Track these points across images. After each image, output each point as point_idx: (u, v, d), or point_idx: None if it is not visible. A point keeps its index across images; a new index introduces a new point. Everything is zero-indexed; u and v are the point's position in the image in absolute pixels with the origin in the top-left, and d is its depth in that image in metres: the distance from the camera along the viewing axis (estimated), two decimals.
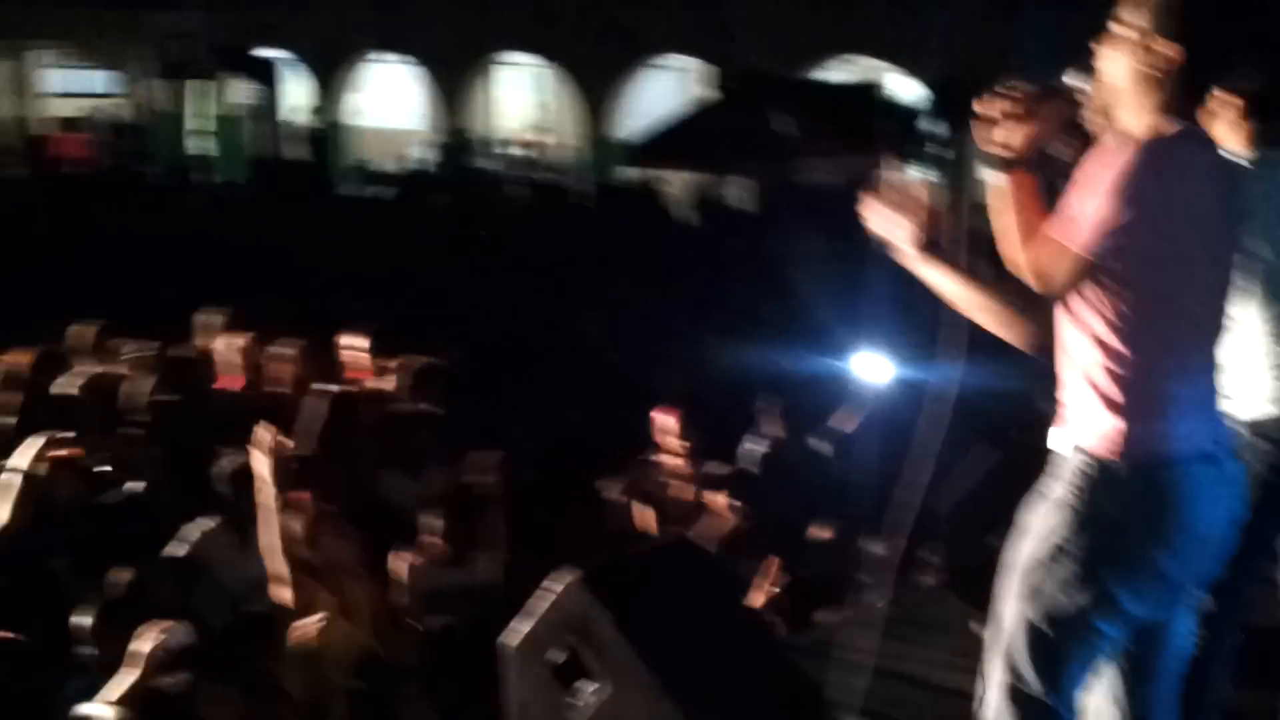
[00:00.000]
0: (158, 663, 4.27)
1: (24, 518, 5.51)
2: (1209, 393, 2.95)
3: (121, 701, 4.19)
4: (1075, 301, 2.85)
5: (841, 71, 23.20)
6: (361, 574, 5.24)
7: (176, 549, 5.44)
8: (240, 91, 26.96)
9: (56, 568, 5.30)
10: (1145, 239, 2.73)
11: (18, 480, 5.54)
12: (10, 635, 4.55)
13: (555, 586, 3.90)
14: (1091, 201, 2.73)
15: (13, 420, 6.67)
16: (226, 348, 7.71)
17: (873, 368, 7.17)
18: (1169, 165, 2.75)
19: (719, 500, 6.23)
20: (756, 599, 5.42)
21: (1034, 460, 5.35)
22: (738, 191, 19.75)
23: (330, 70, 27.15)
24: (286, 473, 5.21)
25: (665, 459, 6.67)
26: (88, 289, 12.04)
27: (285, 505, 5.15)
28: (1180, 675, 3.14)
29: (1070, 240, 2.76)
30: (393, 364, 7.34)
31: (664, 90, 23.90)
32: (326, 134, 26.87)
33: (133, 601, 4.68)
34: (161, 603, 4.68)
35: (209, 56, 23.79)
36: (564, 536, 5.84)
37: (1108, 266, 2.76)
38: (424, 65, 26.58)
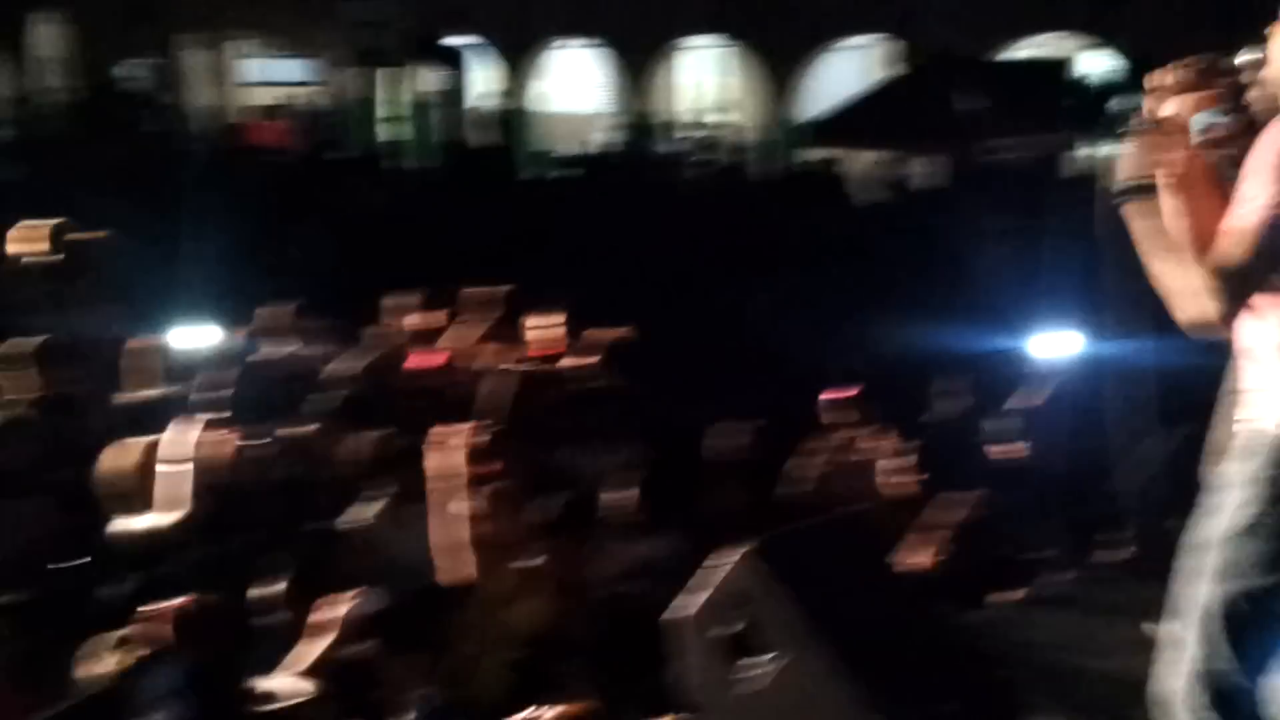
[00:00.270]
0: (350, 630, 4.42)
1: (207, 503, 5.65)
2: None
3: (312, 669, 4.34)
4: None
5: (1033, 49, 22.83)
6: (540, 548, 5.35)
7: (354, 523, 5.65)
8: (430, 78, 27.56)
9: (237, 547, 5.50)
10: None
11: (189, 470, 5.66)
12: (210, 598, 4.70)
13: (724, 560, 3.98)
14: (1264, 183, 2.72)
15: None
16: (418, 327, 7.97)
17: (1052, 348, 7.10)
18: None
19: (896, 475, 6.25)
20: (928, 574, 5.43)
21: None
22: (921, 171, 19.55)
23: (518, 55, 27.57)
24: (475, 451, 5.34)
25: (841, 437, 6.70)
26: (283, 272, 12.53)
27: (470, 481, 5.28)
28: None
29: (1248, 223, 2.75)
30: (580, 342, 7.49)
31: (849, 71, 23.76)
32: (513, 119, 27.29)
33: (316, 573, 4.86)
34: (343, 575, 4.85)
35: (400, 44, 24.34)
36: (743, 514, 5.91)
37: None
38: (609, 48, 26.83)
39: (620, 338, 7.27)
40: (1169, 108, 2.95)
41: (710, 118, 27.94)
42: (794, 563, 4.03)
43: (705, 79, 29.43)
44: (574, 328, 7.68)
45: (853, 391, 6.60)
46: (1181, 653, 3.04)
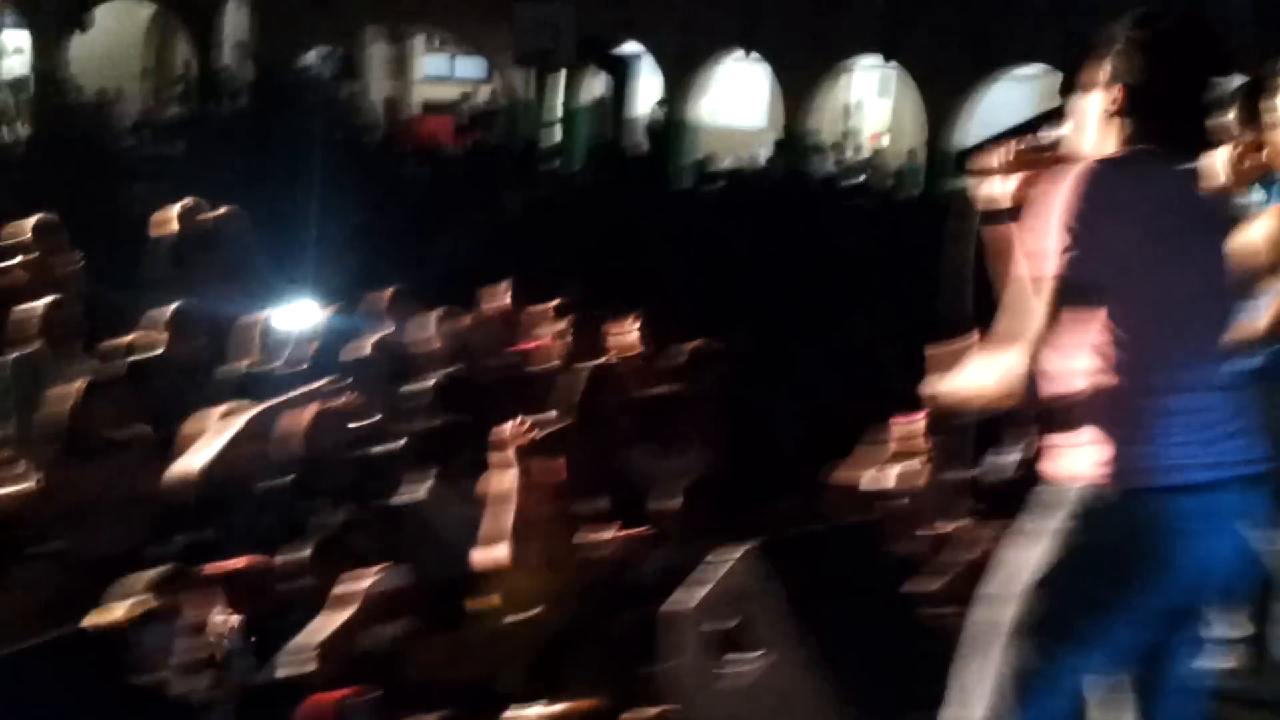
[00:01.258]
0: (372, 605, 4.56)
1: (236, 462, 5.82)
2: (1210, 417, 2.86)
3: (329, 642, 4.49)
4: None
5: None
6: (578, 543, 5.47)
7: (399, 498, 5.85)
8: (597, 84, 27.97)
9: (304, 510, 5.73)
10: (1098, 255, 2.78)
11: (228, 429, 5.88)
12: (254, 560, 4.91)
13: (725, 558, 4.12)
14: (1047, 229, 2.81)
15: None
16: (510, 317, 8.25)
17: None
18: (1098, 184, 2.81)
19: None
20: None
21: None
22: None
23: (683, 67, 27.79)
24: (536, 443, 5.47)
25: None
26: (422, 263, 12.93)
27: (525, 471, 5.40)
28: (1192, 701, 3.07)
29: (1040, 274, 2.81)
30: (665, 348, 7.64)
31: (1016, 100, 23.50)
32: (672, 130, 27.53)
33: (342, 542, 5.04)
34: (375, 548, 5.03)
35: (574, 47, 24.71)
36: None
37: (1077, 291, 2.79)
38: (773, 65, 26.91)
39: (701, 345, 7.38)
40: (995, 187, 3.08)
41: (868, 140, 27.93)
42: (796, 565, 4.15)
43: (868, 101, 29.41)
44: (663, 333, 7.82)
45: (918, 417, 6.61)
46: (972, 706, 3.01)
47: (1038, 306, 2.79)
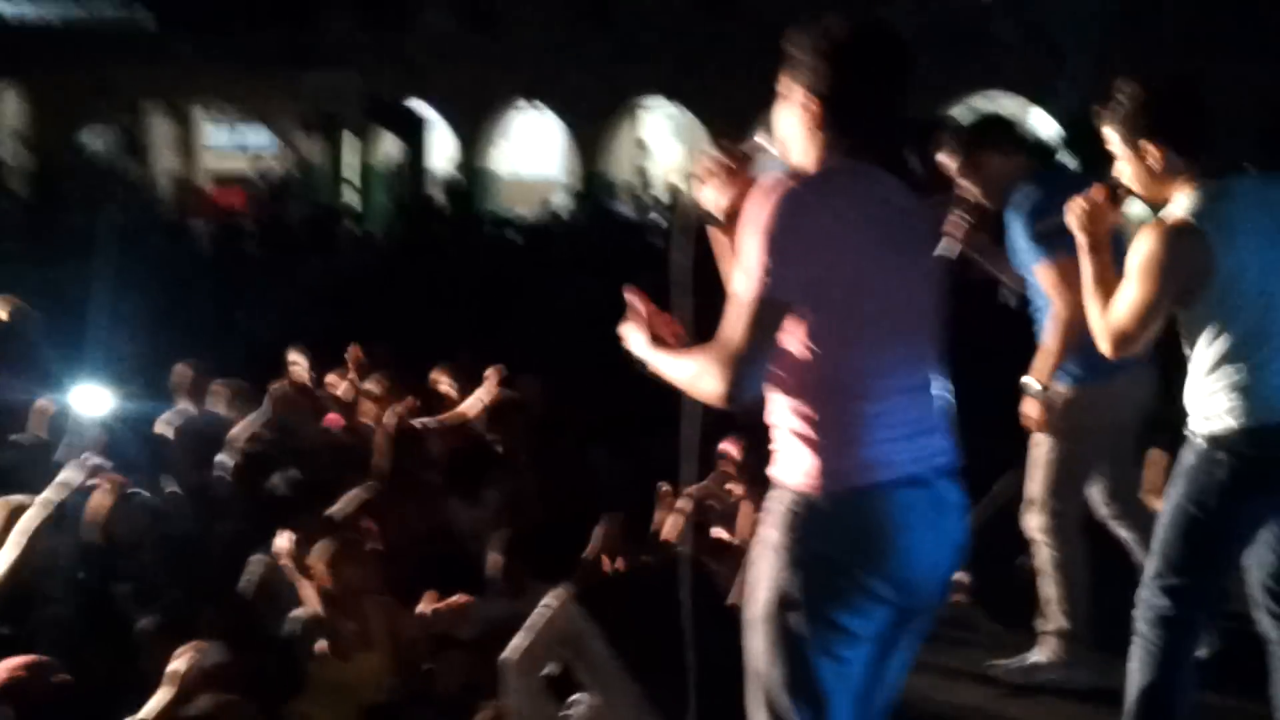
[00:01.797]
0: (192, 682, 4.43)
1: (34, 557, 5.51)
2: (913, 417, 2.93)
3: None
4: None
5: (980, 109, 23.19)
6: (392, 605, 5.39)
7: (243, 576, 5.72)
8: (388, 144, 27.87)
9: (118, 594, 5.57)
10: (798, 271, 2.78)
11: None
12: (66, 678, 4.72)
13: (553, 603, 4.09)
14: (750, 247, 2.80)
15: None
16: (322, 386, 8.10)
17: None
18: (794, 202, 2.79)
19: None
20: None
21: None
22: None
23: (474, 122, 27.89)
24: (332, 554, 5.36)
25: (729, 487, 6.78)
26: (222, 336, 12.66)
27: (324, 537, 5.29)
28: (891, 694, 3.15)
29: (742, 289, 2.81)
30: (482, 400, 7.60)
31: None
32: (469, 183, 27.57)
33: (181, 623, 4.90)
34: (217, 627, 4.89)
35: (360, 111, 24.62)
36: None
37: (775, 308, 2.79)
38: (563, 114, 27.14)
39: (508, 394, 7.35)
40: (714, 194, 3.09)
41: (665, 181, 28.29)
42: (613, 605, 4.14)
43: (661, 143, 29.84)
44: (474, 383, 7.78)
45: (738, 443, 6.68)
46: None
47: (739, 320, 2.79)
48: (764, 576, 2.96)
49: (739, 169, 3.08)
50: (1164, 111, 3.66)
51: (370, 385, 7.86)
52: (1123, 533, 4.97)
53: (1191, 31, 16.69)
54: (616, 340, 3.26)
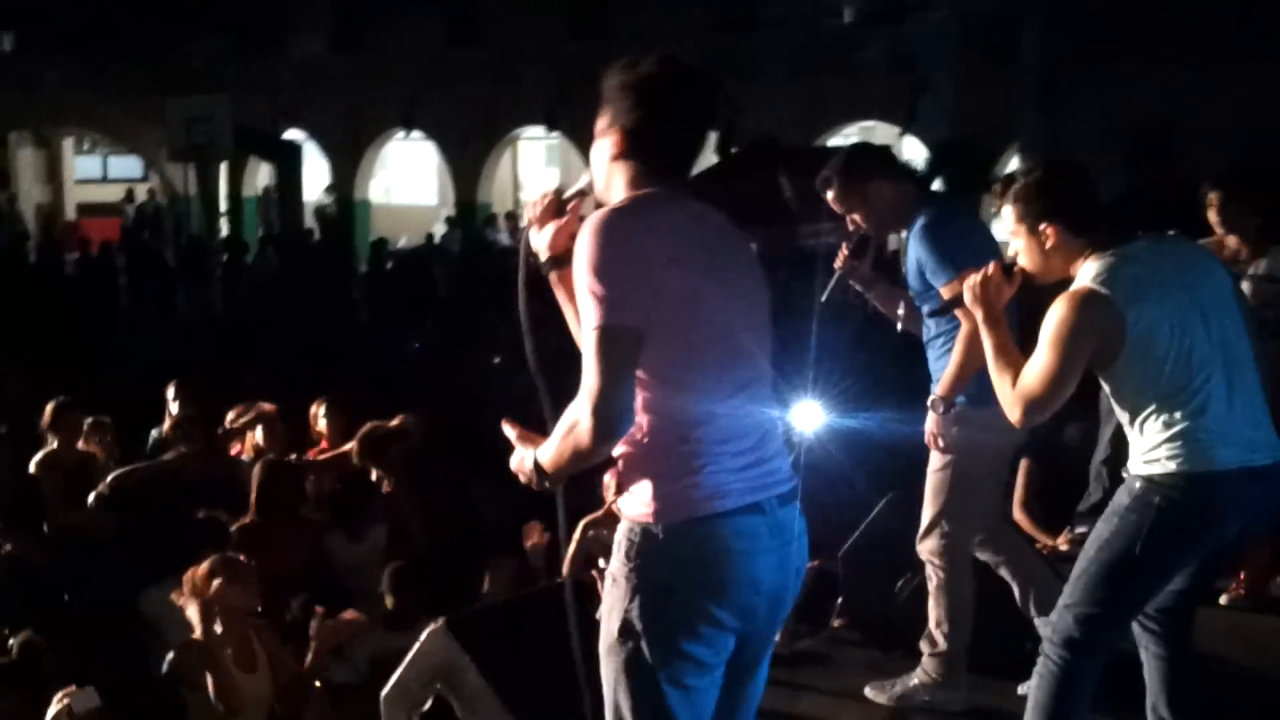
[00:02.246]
0: None
1: None
2: (750, 444, 2.97)
3: None
4: None
5: (856, 137, 23.57)
6: (273, 636, 5.35)
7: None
8: (263, 173, 27.56)
9: None
10: (634, 295, 2.80)
11: None
12: None
13: (419, 637, 4.08)
14: (583, 282, 2.83)
15: None
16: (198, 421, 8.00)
17: (808, 417, 7.31)
18: (612, 234, 2.83)
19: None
20: None
21: None
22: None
23: (349, 150, 27.69)
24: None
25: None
26: (94, 371, 12.43)
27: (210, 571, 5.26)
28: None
29: (585, 326, 2.83)
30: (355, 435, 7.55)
31: None
32: (345, 212, 27.38)
33: (33, 663, 4.82)
34: (72, 664, 4.82)
35: (233, 139, 24.29)
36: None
37: (619, 338, 2.79)
38: (440, 142, 27.07)
39: (381, 425, 7.31)
40: (544, 236, 3.13)
41: None
42: (487, 636, 4.14)
43: (537, 171, 29.90)
44: (352, 416, 7.73)
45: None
46: None
47: (593, 357, 2.79)
48: (610, 608, 2.98)
49: (566, 210, 3.12)
50: (1059, 194, 3.77)
51: (248, 418, 7.79)
52: (985, 555, 5.03)
53: (1051, 60, 17.10)
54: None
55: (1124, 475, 3.83)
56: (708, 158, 22.74)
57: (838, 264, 5.07)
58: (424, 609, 5.67)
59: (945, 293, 4.51)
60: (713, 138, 18.21)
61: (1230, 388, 3.70)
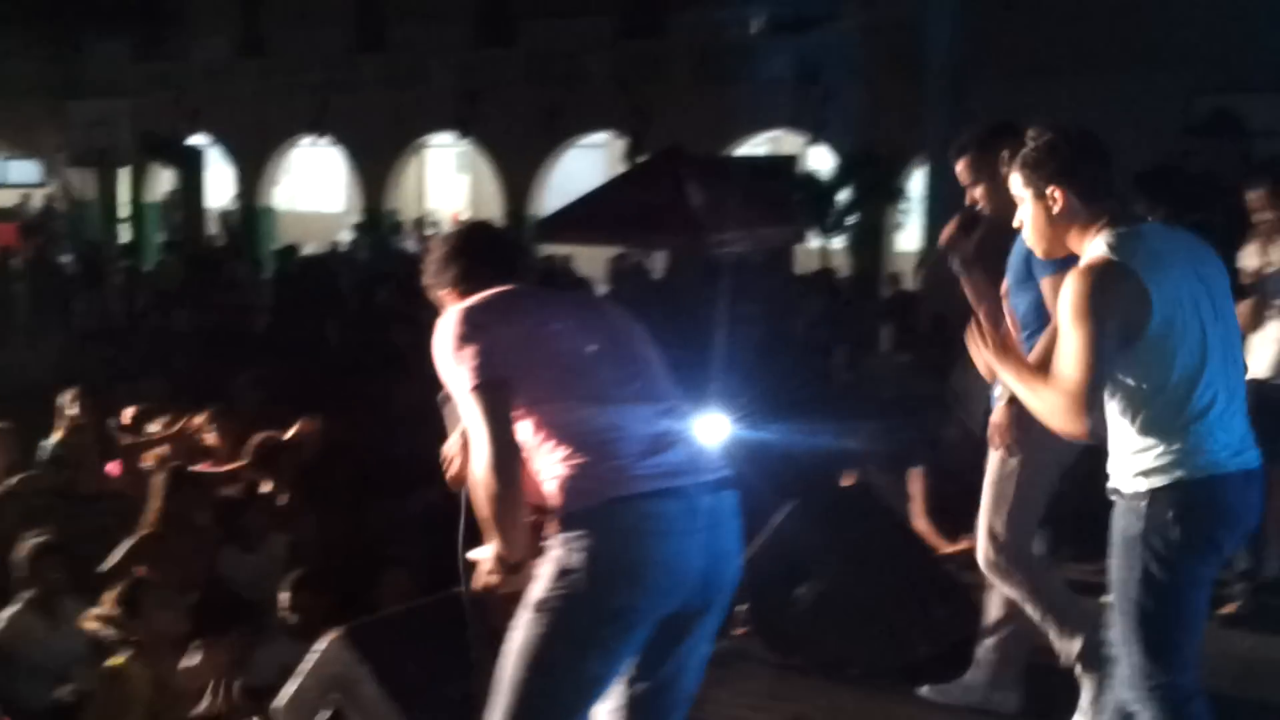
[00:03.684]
0: None
1: None
2: (645, 435, 3.19)
3: None
4: None
5: (764, 146, 23.72)
6: (180, 649, 5.28)
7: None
8: (166, 178, 27.18)
9: None
10: (494, 360, 3.18)
11: None
12: None
13: (323, 646, 4.03)
14: (449, 362, 3.22)
15: None
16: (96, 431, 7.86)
17: (715, 428, 7.33)
18: (458, 318, 3.25)
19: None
20: None
21: (851, 511, 5.56)
22: (661, 264, 19.96)
23: (255, 156, 27.40)
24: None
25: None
26: None
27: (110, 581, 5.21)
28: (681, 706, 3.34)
29: (462, 393, 3.19)
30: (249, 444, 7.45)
31: (587, 168, 24.24)
32: (250, 219, 27.08)
33: None
34: None
35: (135, 144, 23.94)
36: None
37: (494, 389, 3.16)
38: (347, 148, 26.86)
39: (281, 441, 7.23)
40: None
41: (452, 215, 28.19)
42: (385, 646, 4.10)
43: (447, 178, 29.75)
44: (246, 425, 7.64)
45: None
46: None
47: (476, 419, 3.13)
48: (528, 591, 3.16)
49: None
50: (1070, 157, 3.53)
51: (151, 429, 7.68)
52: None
53: (955, 68, 17.30)
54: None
55: (1114, 498, 3.57)
56: (617, 167, 22.87)
57: (943, 239, 4.70)
58: (323, 619, 5.63)
59: (1045, 287, 4.18)
60: (621, 146, 18.43)
61: (1229, 385, 3.50)
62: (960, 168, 4.62)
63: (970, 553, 6.56)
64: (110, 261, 21.55)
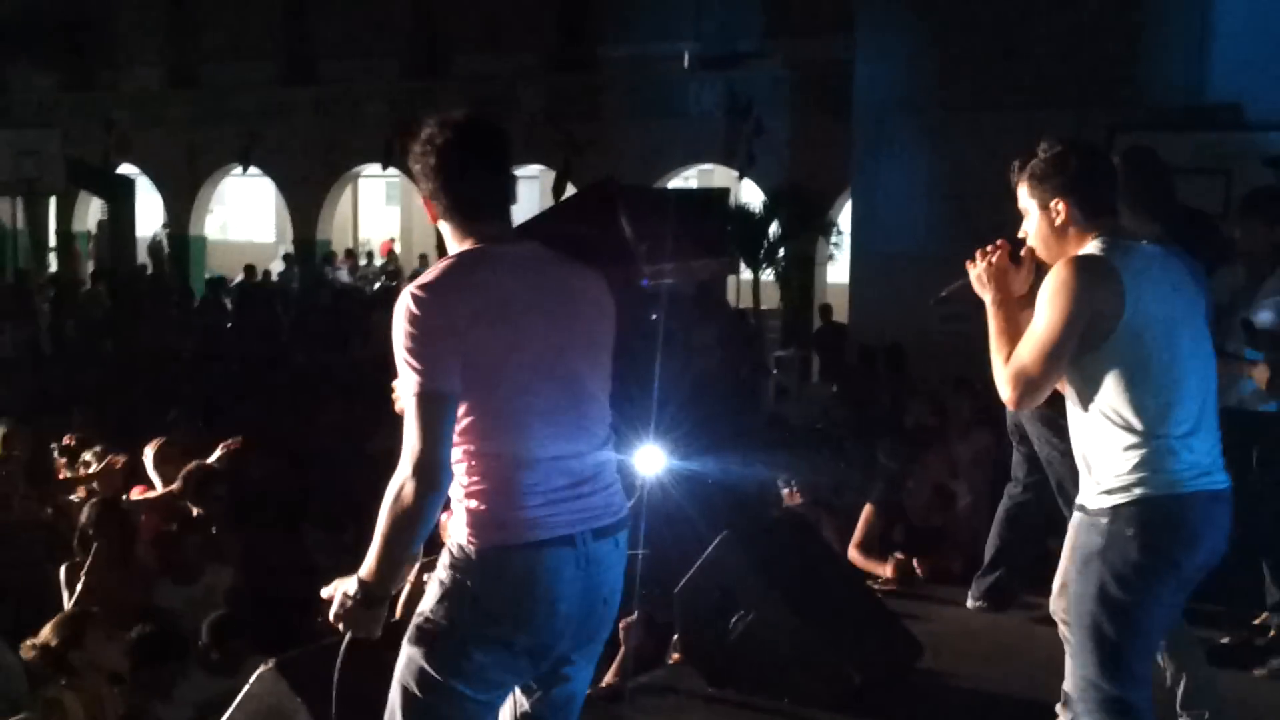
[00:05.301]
0: None
1: None
2: (567, 482, 3.13)
3: None
4: None
5: (695, 180, 23.88)
6: (113, 680, 5.26)
7: None
8: (94, 208, 26.93)
9: None
10: (442, 368, 3.00)
11: None
12: None
13: (251, 680, 4.03)
14: (399, 357, 3.05)
15: None
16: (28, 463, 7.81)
17: (649, 460, 7.38)
18: (421, 305, 3.01)
19: None
20: None
21: (784, 542, 5.61)
22: None
23: (184, 186, 27.20)
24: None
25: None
26: None
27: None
28: None
29: (405, 394, 3.04)
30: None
31: (521, 199, 24.16)
32: (180, 248, 26.88)
33: None
34: None
35: (64, 174, 23.72)
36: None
37: (436, 399, 3.00)
38: (277, 179, 26.75)
39: (205, 464, 7.21)
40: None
41: (383, 246, 28.15)
42: (319, 677, 4.09)
43: (377, 209, 29.69)
44: (182, 455, 7.60)
45: None
46: None
47: (411, 421, 3.00)
48: (419, 609, 3.17)
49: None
50: (1076, 171, 3.61)
51: (85, 457, 7.65)
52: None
53: (880, 105, 17.50)
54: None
55: (1078, 513, 3.62)
56: (548, 198, 22.92)
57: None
58: (250, 651, 5.62)
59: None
60: (551, 178, 18.44)
61: (1200, 406, 3.54)
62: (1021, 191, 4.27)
63: (899, 582, 6.72)
64: (38, 291, 21.33)
